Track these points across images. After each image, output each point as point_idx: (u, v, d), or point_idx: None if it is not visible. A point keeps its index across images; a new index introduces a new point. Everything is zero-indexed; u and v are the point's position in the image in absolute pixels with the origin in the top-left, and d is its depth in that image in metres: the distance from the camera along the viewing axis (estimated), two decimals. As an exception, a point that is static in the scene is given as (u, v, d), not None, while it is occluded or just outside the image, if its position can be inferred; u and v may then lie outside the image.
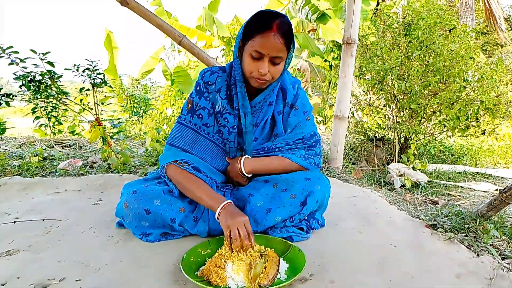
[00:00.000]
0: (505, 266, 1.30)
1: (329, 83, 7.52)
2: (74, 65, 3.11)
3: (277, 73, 1.41)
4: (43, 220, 1.71)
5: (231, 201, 1.37)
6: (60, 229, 1.62)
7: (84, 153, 3.60)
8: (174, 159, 1.50)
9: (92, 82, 3.10)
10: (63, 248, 1.43)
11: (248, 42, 1.36)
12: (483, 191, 2.48)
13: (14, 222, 1.67)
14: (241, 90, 1.48)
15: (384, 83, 3.06)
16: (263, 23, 1.32)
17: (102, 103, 3.26)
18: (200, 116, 1.54)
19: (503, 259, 1.38)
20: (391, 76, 2.94)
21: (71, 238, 1.53)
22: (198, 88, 1.55)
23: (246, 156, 1.58)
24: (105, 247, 1.44)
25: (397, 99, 3.09)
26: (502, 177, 2.88)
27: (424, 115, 2.98)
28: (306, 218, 1.54)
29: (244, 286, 1.14)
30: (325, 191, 1.53)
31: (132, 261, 1.33)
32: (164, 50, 7.29)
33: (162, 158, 1.55)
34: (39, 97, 3.53)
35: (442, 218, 1.72)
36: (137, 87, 6.58)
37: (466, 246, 1.48)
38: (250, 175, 1.59)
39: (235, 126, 1.54)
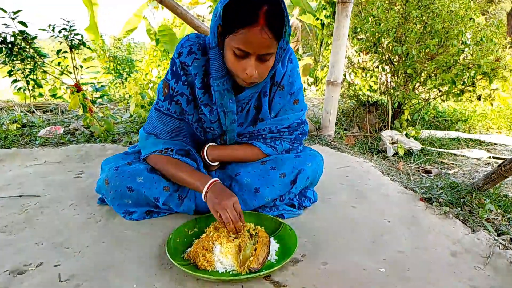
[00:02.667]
0: (501, 243, 1.27)
1: (321, 42, 7.28)
2: (50, 25, 2.90)
3: (266, 70, 1.17)
4: (20, 196, 1.62)
5: (217, 179, 1.27)
6: (39, 206, 1.54)
7: (66, 118, 3.45)
8: (155, 149, 1.37)
9: (70, 44, 2.90)
10: (41, 228, 1.35)
11: (229, 35, 1.08)
12: (476, 159, 2.44)
13: (-11, 199, 1.58)
14: (219, 88, 1.24)
15: (379, 45, 2.91)
16: (247, 13, 1.03)
17: (82, 67, 3.07)
18: (179, 102, 1.32)
19: (499, 235, 1.35)
20: (387, 38, 2.79)
21: (50, 217, 1.44)
22: (174, 69, 1.29)
23: (211, 144, 1.46)
24: (86, 227, 1.37)
25: (392, 62, 2.96)
26: (495, 143, 2.85)
27: (420, 79, 2.87)
28: (297, 195, 1.47)
29: (233, 270, 1.09)
30: (316, 169, 1.45)
31: (115, 242, 1.26)
32: (147, 6, 6.89)
33: (142, 147, 1.42)
34: (14, 59, 3.32)
35: (437, 191, 1.68)
36: (119, 47, 6.25)
37: (461, 221, 1.44)
38: (216, 163, 1.48)
39: (214, 121, 1.36)
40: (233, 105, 1.30)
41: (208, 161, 1.44)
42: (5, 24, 2.77)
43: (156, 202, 1.36)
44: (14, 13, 2.77)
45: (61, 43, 2.96)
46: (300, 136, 1.47)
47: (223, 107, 1.29)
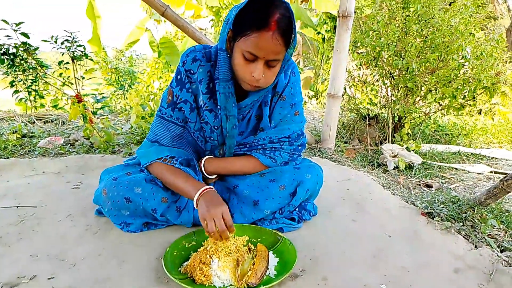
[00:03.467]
0: (504, 260, 1.25)
1: (322, 56, 7.34)
2: (52, 36, 2.92)
3: (272, 76, 1.21)
4: (17, 207, 1.60)
5: (211, 187, 1.25)
6: (35, 217, 1.52)
7: (66, 129, 3.44)
8: (158, 157, 1.35)
9: (72, 55, 2.91)
10: (37, 240, 1.33)
11: (241, 39, 1.12)
12: (478, 173, 2.43)
13: (-15, 209, 1.56)
14: (225, 91, 1.25)
15: (380, 59, 2.93)
16: (260, 18, 1.08)
17: (83, 78, 3.08)
18: (182, 109, 1.34)
19: (502, 251, 1.33)
20: (387, 52, 2.81)
21: (46, 228, 1.42)
22: (179, 77, 1.32)
23: (208, 156, 1.45)
24: (82, 239, 1.35)
25: (392, 76, 2.97)
26: (496, 158, 2.83)
27: (420, 93, 2.88)
28: (296, 208, 1.45)
29: (231, 285, 1.07)
30: (316, 180, 1.43)
31: (112, 255, 1.24)
32: (149, 19, 6.97)
33: (144, 155, 1.39)
34: (16, 70, 3.33)
35: (438, 206, 1.66)
36: (121, 59, 6.30)
37: (463, 237, 1.42)
38: (214, 176, 1.47)
39: (217, 127, 1.37)
40: (235, 109, 1.30)
41: (206, 174, 1.43)
42: (7, 36, 2.79)
43: (153, 214, 1.34)
44: (17, 24, 2.79)
45: (63, 54, 2.97)
46: (299, 147, 1.46)
47: (226, 110, 1.30)
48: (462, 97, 2.75)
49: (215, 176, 1.46)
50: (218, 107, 1.30)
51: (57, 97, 4.67)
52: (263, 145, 1.41)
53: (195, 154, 1.47)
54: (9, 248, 1.27)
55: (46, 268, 1.15)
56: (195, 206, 1.22)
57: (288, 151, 1.44)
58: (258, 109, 1.41)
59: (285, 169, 1.41)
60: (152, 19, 7.33)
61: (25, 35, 2.79)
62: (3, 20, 2.68)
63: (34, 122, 3.83)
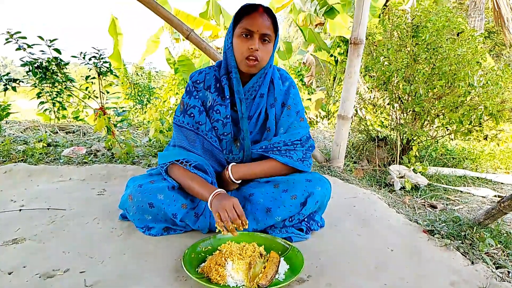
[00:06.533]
0: (498, 275, 1.33)
1: (334, 78, 7.50)
2: (81, 52, 3.13)
3: (267, 53, 1.45)
4: (48, 209, 1.75)
5: (223, 190, 1.41)
6: (65, 219, 1.66)
7: (87, 140, 3.63)
8: (176, 158, 1.52)
9: (98, 71, 3.11)
10: (68, 238, 1.47)
11: (237, 28, 1.41)
12: (482, 197, 2.50)
13: (20, 210, 1.71)
14: (236, 76, 1.48)
15: (389, 83, 3.06)
16: (249, 7, 1.40)
17: (107, 92, 3.27)
18: (192, 115, 1.55)
19: (497, 268, 1.41)
20: (397, 77, 2.93)
21: (75, 229, 1.56)
22: (188, 89, 1.58)
23: (233, 164, 1.61)
24: (108, 240, 1.48)
25: (401, 100, 3.09)
26: (502, 183, 2.90)
27: (428, 117, 2.99)
28: (305, 218, 1.57)
29: (243, 285, 1.18)
30: (325, 193, 1.56)
31: (135, 255, 1.36)
32: (163, 31, 7.29)
33: (163, 157, 1.57)
34: (45, 83, 3.54)
35: (439, 224, 1.75)
36: (141, 75, 6.57)
37: (461, 253, 1.51)
38: (239, 181, 1.61)
39: (228, 116, 1.54)
40: (242, 91, 1.51)
41: (233, 179, 1.57)
42: (41, 51, 3.01)
43: (174, 218, 1.47)
44: (51, 41, 3.02)
45: (90, 69, 3.18)
46: (310, 148, 1.64)
47: (239, 93, 1.50)
48: (468, 122, 2.84)
49: (239, 181, 1.61)
50: (227, 96, 1.52)
51: (78, 109, 4.90)
52: (278, 148, 1.58)
53: (216, 163, 1.63)
54: (44, 245, 1.41)
55: (77, 263, 1.28)
56: (209, 207, 1.36)
57: (301, 151, 1.61)
58: (264, 113, 1.60)
59: (298, 181, 1.55)
60: (171, 36, 7.64)
61: (57, 50, 3.01)
62: (39, 37, 2.91)
63: (57, 132, 4.04)
